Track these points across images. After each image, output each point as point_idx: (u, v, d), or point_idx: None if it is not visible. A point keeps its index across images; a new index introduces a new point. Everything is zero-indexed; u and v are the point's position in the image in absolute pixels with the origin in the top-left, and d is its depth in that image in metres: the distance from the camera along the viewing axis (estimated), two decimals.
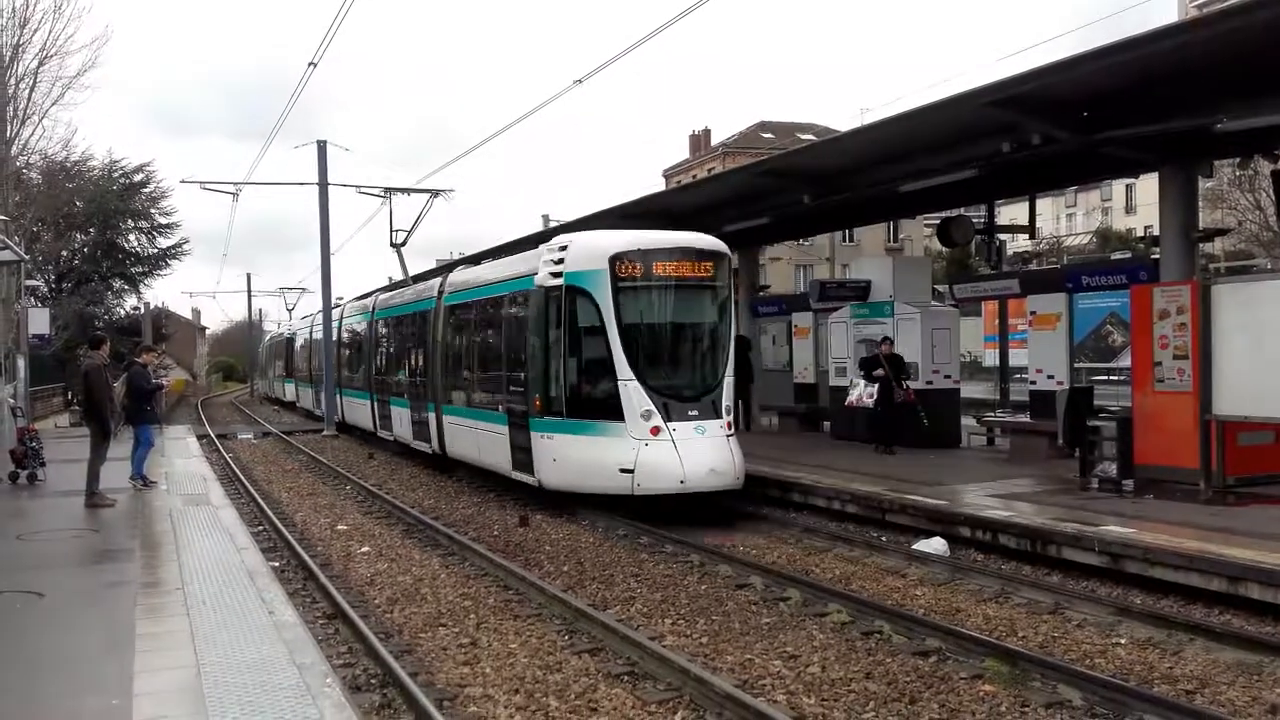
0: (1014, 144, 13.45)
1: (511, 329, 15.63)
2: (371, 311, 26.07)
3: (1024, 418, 16.28)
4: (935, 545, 11.11)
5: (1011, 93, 11.99)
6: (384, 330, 24.65)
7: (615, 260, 13.26)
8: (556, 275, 13.67)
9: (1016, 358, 20.44)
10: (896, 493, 12.55)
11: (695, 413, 13.07)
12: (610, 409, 13.08)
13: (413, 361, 21.41)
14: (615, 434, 12.97)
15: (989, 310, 21.29)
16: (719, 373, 13.60)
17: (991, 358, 21.91)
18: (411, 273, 28.81)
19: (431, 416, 19.16)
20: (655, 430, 12.81)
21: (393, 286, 29.56)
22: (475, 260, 23.92)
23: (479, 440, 16.62)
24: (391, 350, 24.07)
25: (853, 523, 12.86)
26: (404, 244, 27.68)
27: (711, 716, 6.39)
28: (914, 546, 11.17)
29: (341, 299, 34.00)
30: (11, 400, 15.73)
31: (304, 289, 55.26)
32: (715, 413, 13.23)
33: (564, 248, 13.90)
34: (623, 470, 12.79)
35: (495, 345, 16.56)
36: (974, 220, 19.79)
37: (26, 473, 14.79)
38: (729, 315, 14.17)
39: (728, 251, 14.28)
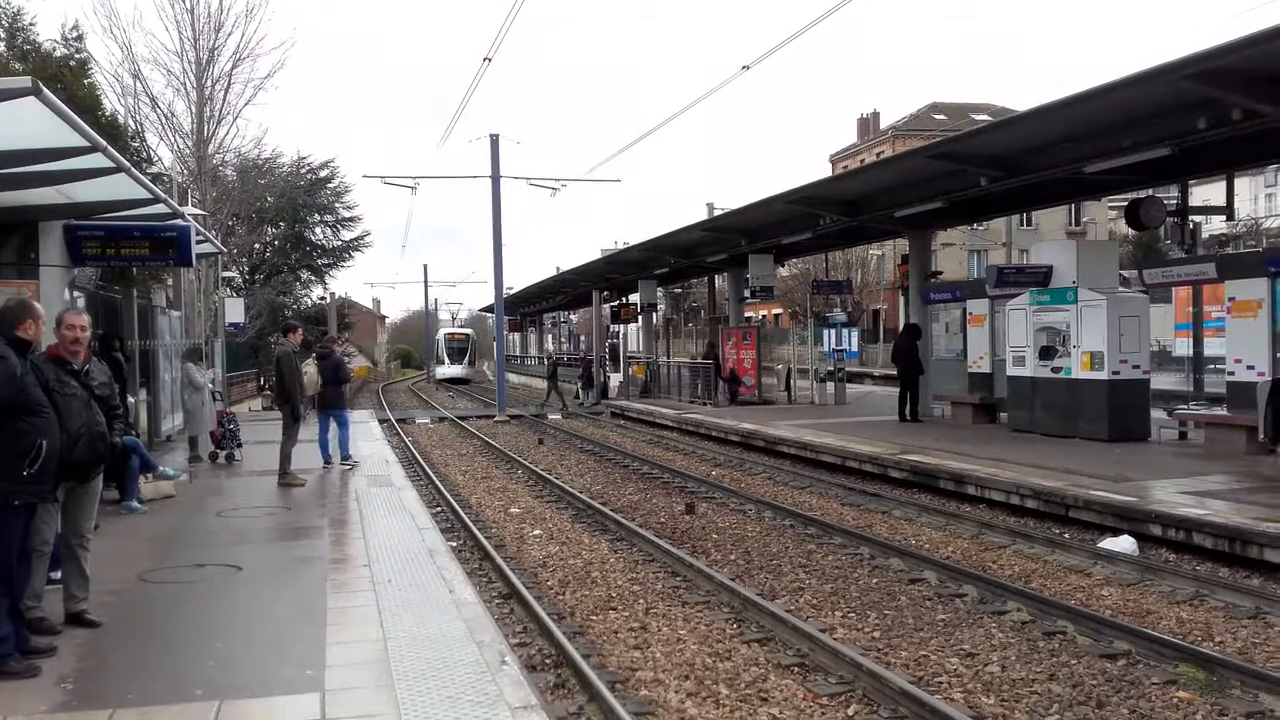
0: (1211, 120, 12.66)
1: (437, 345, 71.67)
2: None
3: (1220, 410, 15.31)
4: (1123, 544, 10.57)
5: (1214, 64, 11.25)
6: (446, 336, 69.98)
7: (445, 334, 69.85)
8: (437, 337, 70.93)
9: (1211, 347, 19.20)
10: (1080, 488, 12.01)
11: (458, 361, 65.36)
12: (443, 361, 65.89)
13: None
14: (445, 365, 65.39)
15: (1180, 297, 19.99)
16: (465, 356, 66.21)
17: (1183, 347, 20.58)
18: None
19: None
20: (452, 365, 64.97)
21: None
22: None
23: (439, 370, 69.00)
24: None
25: (1033, 518, 12.39)
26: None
27: (885, 712, 6.27)
28: (1100, 545, 10.67)
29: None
30: (211, 385, 16.71)
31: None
32: (463, 363, 65.45)
33: (439, 333, 72.27)
34: (446, 371, 64.61)
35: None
36: (1165, 201, 18.66)
37: (225, 453, 15.76)
38: (472, 347, 68.19)
39: (473, 333, 74.91)
